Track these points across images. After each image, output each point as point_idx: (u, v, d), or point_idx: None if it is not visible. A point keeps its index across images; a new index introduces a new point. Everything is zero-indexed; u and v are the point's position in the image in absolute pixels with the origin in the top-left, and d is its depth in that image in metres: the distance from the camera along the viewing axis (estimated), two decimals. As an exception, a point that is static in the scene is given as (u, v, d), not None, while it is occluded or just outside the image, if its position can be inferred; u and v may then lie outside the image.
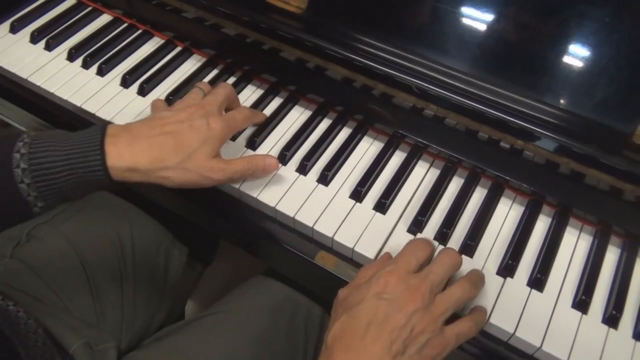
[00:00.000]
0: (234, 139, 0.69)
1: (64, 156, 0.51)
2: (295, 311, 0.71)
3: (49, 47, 0.78)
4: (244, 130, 0.70)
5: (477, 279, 0.53)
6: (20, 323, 0.56)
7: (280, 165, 0.66)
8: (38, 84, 0.73)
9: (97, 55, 0.77)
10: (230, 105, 0.66)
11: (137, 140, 0.54)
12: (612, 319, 0.55)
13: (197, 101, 0.61)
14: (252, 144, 0.68)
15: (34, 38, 0.79)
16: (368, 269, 0.53)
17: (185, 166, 0.55)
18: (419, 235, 0.61)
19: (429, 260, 0.54)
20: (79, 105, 0.71)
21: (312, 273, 0.64)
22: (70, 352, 0.60)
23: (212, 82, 0.74)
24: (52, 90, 0.73)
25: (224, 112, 0.63)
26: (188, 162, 0.55)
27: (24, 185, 0.50)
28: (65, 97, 0.72)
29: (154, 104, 0.67)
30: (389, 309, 0.46)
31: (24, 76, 0.74)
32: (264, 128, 0.69)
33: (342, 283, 0.61)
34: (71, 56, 0.77)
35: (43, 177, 0.51)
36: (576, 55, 0.60)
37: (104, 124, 0.55)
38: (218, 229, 0.77)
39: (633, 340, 0.54)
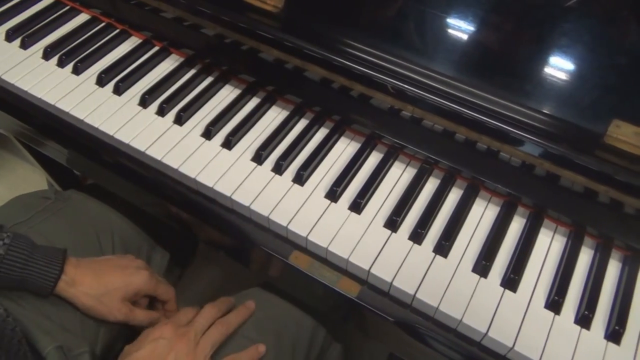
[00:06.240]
0: (209, 138, 0.68)
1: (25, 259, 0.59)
2: (285, 327, 0.70)
3: (24, 46, 0.77)
4: (220, 129, 0.69)
5: (230, 322, 0.65)
6: None
7: (255, 165, 0.66)
8: (12, 82, 0.72)
9: (73, 54, 0.76)
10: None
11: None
12: (584, 319, 0.55)
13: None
14: (228, 143, 0.67)
15: (9, 36, 0.78)
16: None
17: (101, 299, 0.64)
18: (393, 235, 0.61)
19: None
20: (52, 103, 0.70)
21: (287, 274, 0.64)
22: (44, 354, 0.59)
23: (190, 82, 0.74)
24: (25, 89, 0.72)
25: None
26: (105, 296, 0.64)
27: None
28: (39, 96, 0.71)
29: None
30: (163, 349, 0.59)
31: (-2, 74, 0.73)
32: (240, 128, 0.69)
33: (316, 283, 0.61)
34: (46, 55, 0.76)
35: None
36: (550, 57, 0.60)
37: (64, 254, 0.62)
38: (196, 228, 0.77)
39: (605, 341, 0.54)
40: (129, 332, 0.76)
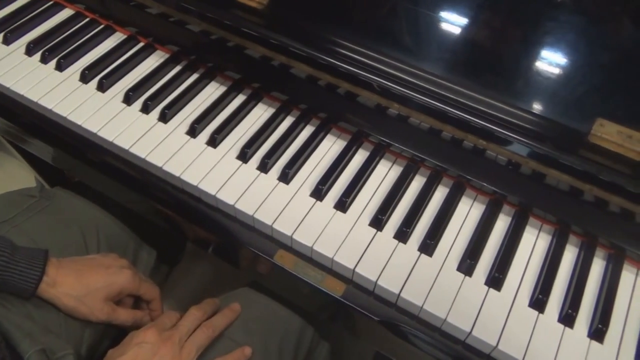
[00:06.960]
0: (194, 135, 0.68)
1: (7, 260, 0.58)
2: (273, 327, 0.70)
3: (6, 41, 0.76)
4: (205, 126, 0.69)
5: (216, 324, 0.64)
6: None
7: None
8: (-7, 78, 0.71)
9: (56, 50, 0.75)
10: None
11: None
12: (568, 318, 0.55)
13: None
14: (213, 141, 0.67)
15: (-9, 32, 0.77)
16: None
17: (83, 300, 0.63)
18: (378, 234, 0.60)
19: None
20: (35, 100, 0.69)
21: (274, 273, 0.64)
22: (25, 358, 0.58)
23: (175, 79, 0.73)
24: (7, 85, 0.71)
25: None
26: (87, 297, 0.63)
27: None
28: (21, 92, 0.70)
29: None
30: (147, 353, 0.58)
31: (-21, 70, 0.72)
32: (225, 125, 0.68)
33: (301, 282, 0.60)
34: (29, 50, 0.75)
35: None
36: (534, 57, 0.60)
37: (45, 255, 0.61)
38: (183, 226, 0.76)
39: (588, 339, 0.54)
40: (116, 332, 0.76)
